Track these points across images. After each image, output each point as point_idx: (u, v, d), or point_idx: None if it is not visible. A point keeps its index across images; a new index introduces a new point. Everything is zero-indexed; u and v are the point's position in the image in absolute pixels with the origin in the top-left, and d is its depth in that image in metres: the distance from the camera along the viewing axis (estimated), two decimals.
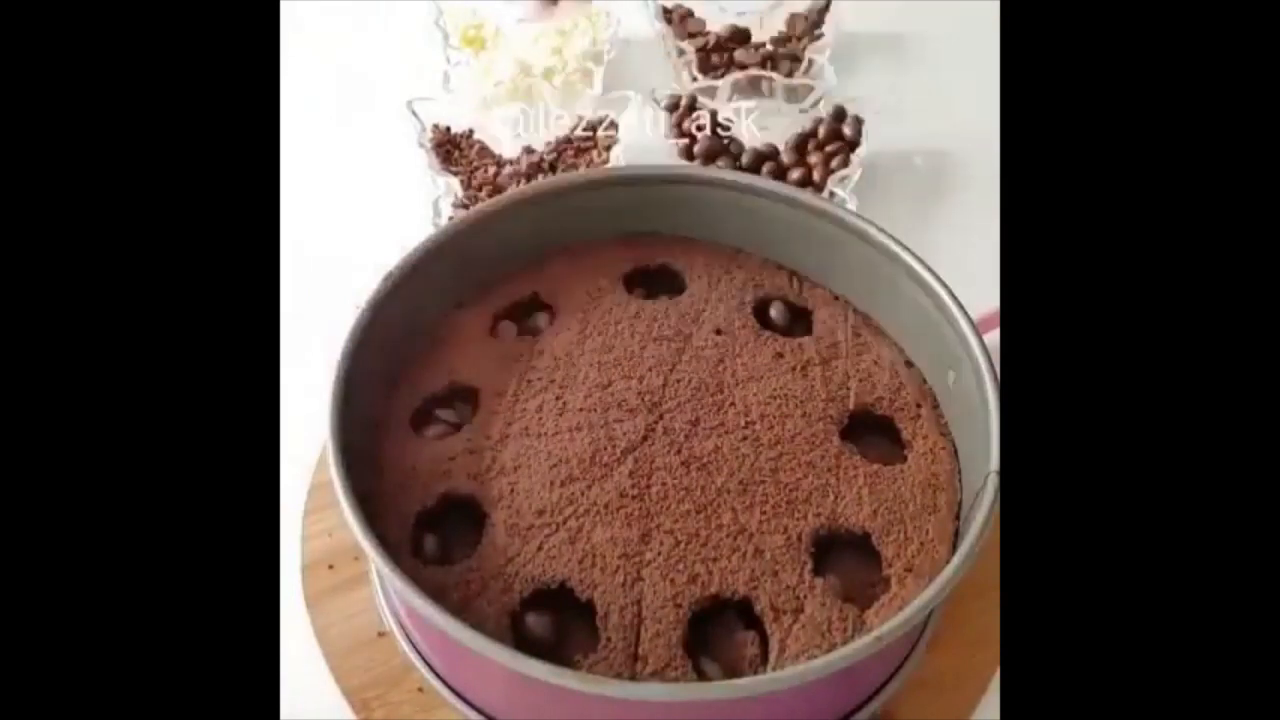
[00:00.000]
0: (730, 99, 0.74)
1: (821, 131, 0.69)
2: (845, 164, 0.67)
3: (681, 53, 0.77)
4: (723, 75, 0.75)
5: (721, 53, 0.78)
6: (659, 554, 0.43)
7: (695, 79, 0.75)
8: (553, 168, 0.68)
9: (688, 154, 0.69)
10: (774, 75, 0.74)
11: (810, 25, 0.80)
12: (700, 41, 0.78)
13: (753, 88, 0.75)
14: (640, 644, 0.41)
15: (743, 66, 0.76)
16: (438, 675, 0.45)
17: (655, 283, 0.56)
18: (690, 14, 0.80)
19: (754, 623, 0.42)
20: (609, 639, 0.41)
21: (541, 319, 0.53)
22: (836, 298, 0.55)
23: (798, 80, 0.74)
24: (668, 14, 0.80)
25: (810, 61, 0.76)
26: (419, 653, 0.46)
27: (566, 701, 0.39)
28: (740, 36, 0.79)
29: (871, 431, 0.49)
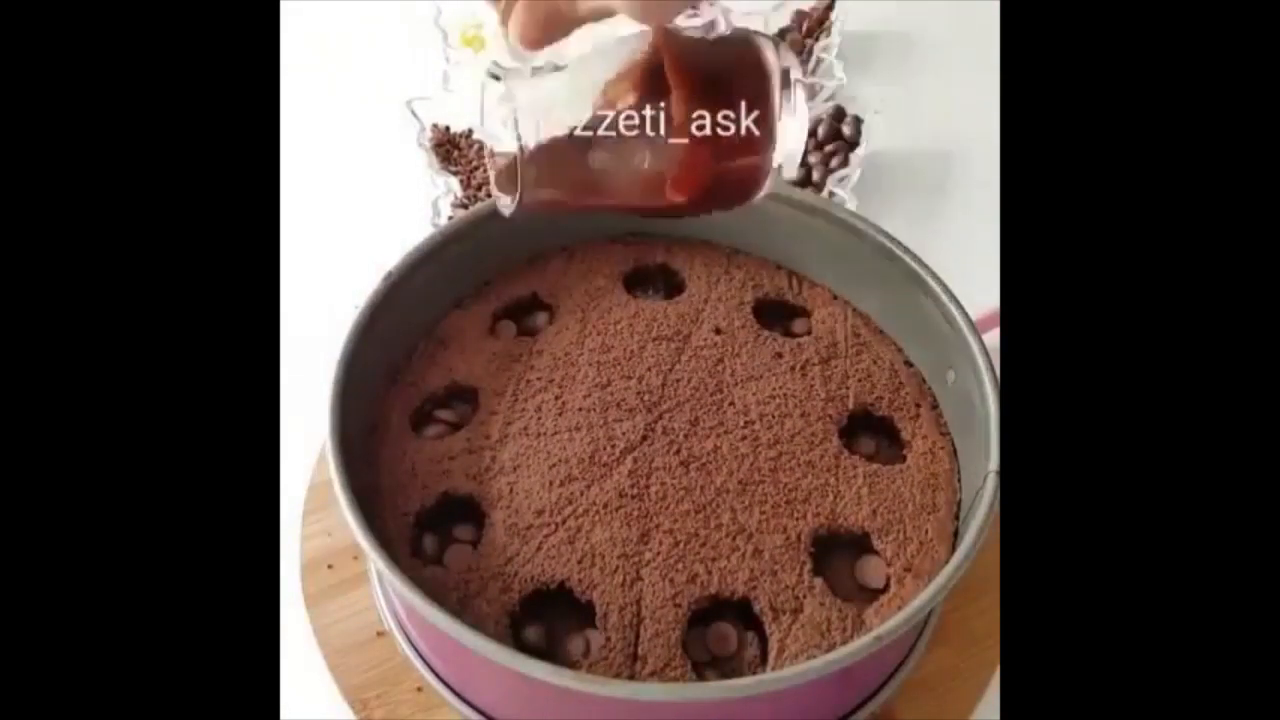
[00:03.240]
0: None
1: (821, 131, 0.69)
2: (845, 164, 0.67)
3: None
4: None
5: None
6: (658, 554, 0.43)
7: None
8: None
9: None
10: None
11: (816, 22, 0.79)
12: None
13: None
14: (640, 644, 0.41)
15: None
16: (437, 675, 0.45)
17: (655, 283, 0.56)
18: None
19: (753, 623, 0.42)
20: (608, 639, 0.41)
21: (541, 319, 0.53)
22: (836, 298, 0.55)
23: (805, 79, 0.74)
24: None
25: (819, 60, 0.76)
26: (418, 652, 0.46)
27: (566, 701, 0.39)
28: None
29: (871, 431, 0.49)
